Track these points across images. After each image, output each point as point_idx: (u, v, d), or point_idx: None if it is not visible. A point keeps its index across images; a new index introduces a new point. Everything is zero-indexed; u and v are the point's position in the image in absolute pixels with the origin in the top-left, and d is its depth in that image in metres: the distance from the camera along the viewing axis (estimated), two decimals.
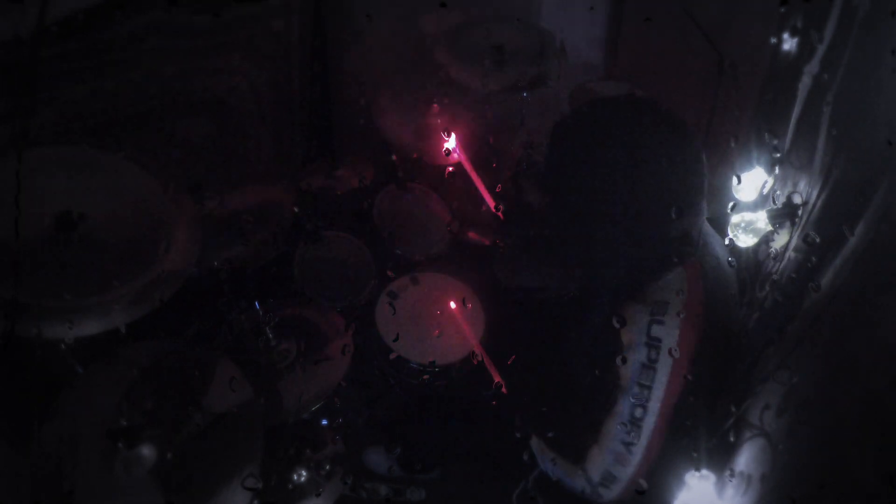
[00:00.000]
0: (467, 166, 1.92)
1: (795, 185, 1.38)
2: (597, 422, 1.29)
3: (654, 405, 1.23)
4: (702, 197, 1.27)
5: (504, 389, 1.54)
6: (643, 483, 1.27)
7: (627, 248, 1.29)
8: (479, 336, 1.76)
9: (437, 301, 1.83)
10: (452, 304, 1.81)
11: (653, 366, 1.23)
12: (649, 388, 1.23)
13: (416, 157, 2.06)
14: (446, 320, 1.80)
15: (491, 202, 1.90)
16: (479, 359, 1.65)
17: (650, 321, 1.23)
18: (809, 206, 1.29)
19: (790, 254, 1.32)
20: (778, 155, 1.48)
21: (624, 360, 1.25)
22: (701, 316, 1.23)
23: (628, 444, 1.25)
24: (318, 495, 1.50)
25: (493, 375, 1.57)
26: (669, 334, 1.22)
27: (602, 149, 1.25)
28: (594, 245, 1.33)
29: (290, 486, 1.49)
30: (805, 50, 1.38)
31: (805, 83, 1.39)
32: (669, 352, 1.22)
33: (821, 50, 1.31)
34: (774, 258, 1.38)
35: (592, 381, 1.39)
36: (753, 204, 1.52)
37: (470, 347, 1.71)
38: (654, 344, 1.23)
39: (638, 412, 1.24)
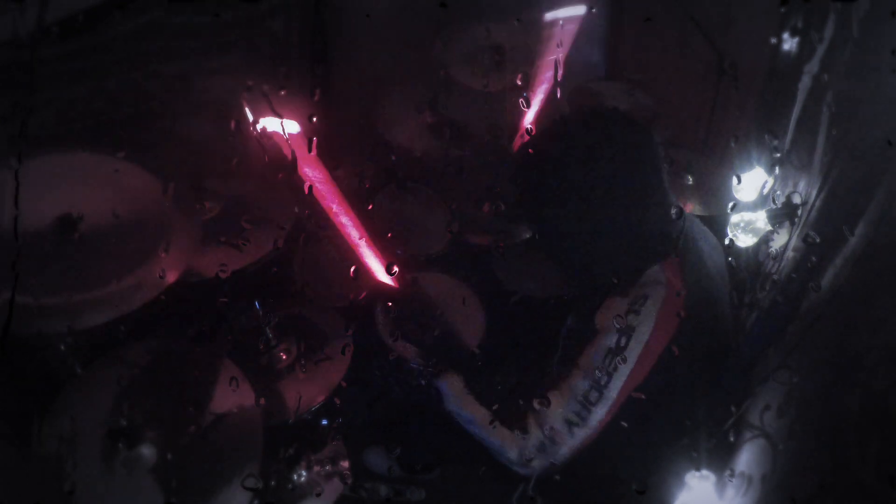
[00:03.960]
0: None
1: (795, 185, 1.39)
2: (545, 394, 1.29)
3: (611, 393, 1.23)
4: (663, 193, 1.31)
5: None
6: (643, 483, 1.27)
7: (603, 251, 1.35)
8: (480, 336, 1.76)
9: (436, 301, 1.83)
10: None
11: (620, 353, 1.23)
12: (610, 375, 1.23)
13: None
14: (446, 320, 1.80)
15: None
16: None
17: (627, 310, 1.25)
18: (809, 206, 1.29)
19: (790, 254, 1.32)
20: (778, 155, 1.48)
21: (593, 344, 1.26)
22: (679, 312, 1.24)
23: (572, 424, 1.25)
24: (318, 495, 1.50)
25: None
26: (643, 324, 1.22)
27: (556, 165, 1.33)
28: (571, 250, 1.40)
29: (290, 486, 1.49)
30: (805, 50, 1.38)
31: (805, 83, 1.39)
32: (641, 342, 1.22)
33: (821, 50, 1.32)
34: (774, 258, 1.38)
35: (552, 356, 1.41)
36: (753, 204, 1.52)
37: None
38: (625, 332, 1.24)
39: (593, 396, 1.23)
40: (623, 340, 1.23)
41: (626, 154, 1.30)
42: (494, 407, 1.40)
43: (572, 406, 1.24)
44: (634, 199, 1.30)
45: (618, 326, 1.24)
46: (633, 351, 1.23)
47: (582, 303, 1.42)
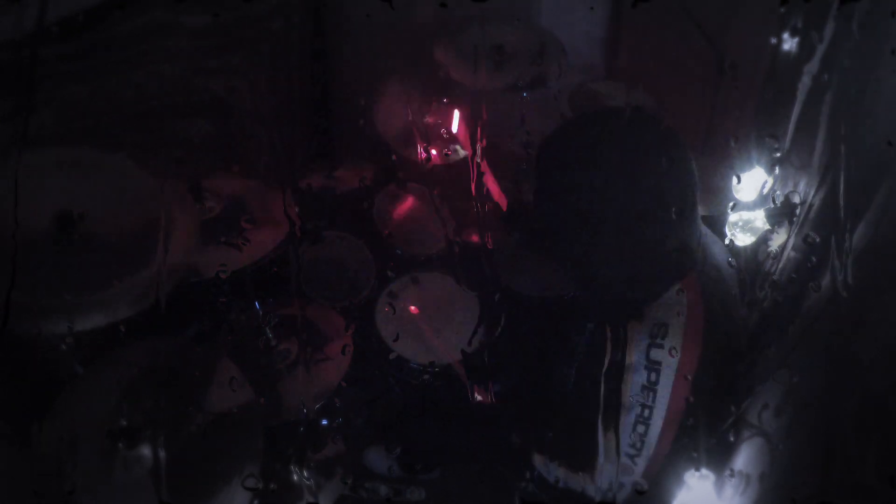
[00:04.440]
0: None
1: (795, 185, 1.38)
2: (600, 435, 1.30)
3: (657, 421, 1.24)
4: (695, 205, 1.27)
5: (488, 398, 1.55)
6: (643, 483, 1.27)
7: (623, 265, 1.28)
8: (479, 338, 1.76)
9: (437, 301, 1.83)
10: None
11: (653, 388, 1.23)
12: (651, 407, 1.24)
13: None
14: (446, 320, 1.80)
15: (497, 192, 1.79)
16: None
17: (649, 344, 1.23)
18: (809, 206, 1.29)
19: (790, 254, 1.32)
20: (778, 155, 1.48)
21: (625, 381, 1.25)
22: (701, 333, 1.23)
23: (633, 457, 1.26)
24: (318, 495, 1.50)
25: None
26: (668, 358, 1.22)
27: (585, 167, 1.25)
28: (589, 263, 1.34)
29: (290, 486, 1.49)
30: (805, 50, 1.38)
31: (805, 83, 1.39)
32: (671, 375, 1.22)
33: (821, 50, 1.31)
34: (774, 258, 1.38)
35: (594, 397, 1.39)
36: (753, 204, 1.52)
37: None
38: (654, 367, 1.23)
39: (640, 429, 1.24)
40: (653, 375, 1.23)
41: (657, 160, 1.23)
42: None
43: (627, 440, 1.26)
44: (663, 209, 1.24)
45: (644, 363, 1.23)
46: (665, 383, 1.22)
47: (605, 321, 1.39)
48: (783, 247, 1.34)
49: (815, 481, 0.97)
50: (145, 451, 1.24)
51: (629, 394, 1.24)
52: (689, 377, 1.20)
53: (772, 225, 1.37)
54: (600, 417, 1.29)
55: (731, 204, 1.53)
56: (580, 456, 1.33)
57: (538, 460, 1.41)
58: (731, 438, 1.25)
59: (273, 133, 2.42)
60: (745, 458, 1.20)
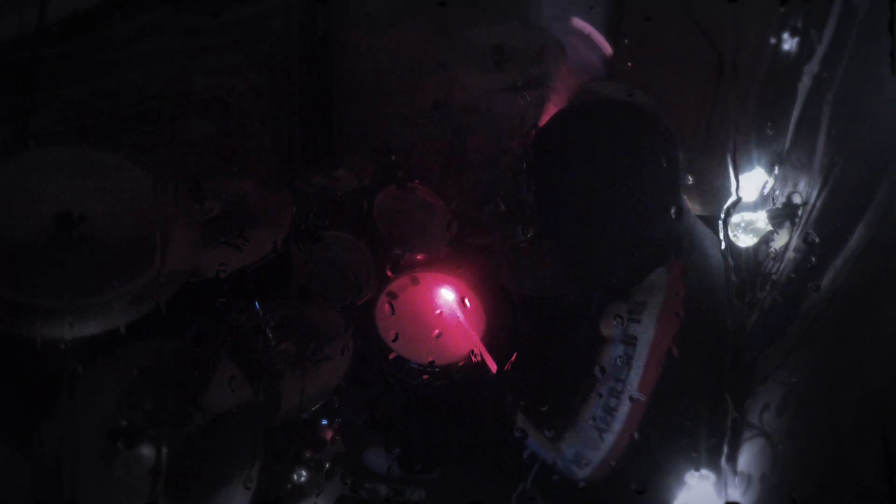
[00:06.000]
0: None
1: (795, 185, 1.39)
2: (574, 405, 1.33)
3: (627, 398, 1.27)
4: (678, 194, 1.30)
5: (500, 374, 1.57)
6: (642, 483, 1.28)
7: (609, 251, 1.33)
8: (480, 336, 1.76)
9: (436, 301, 1.83)
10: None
11: (628, 362, 1.26)
12: (623, 381, 1.27)
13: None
14: (446, 320, 1.80)
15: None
16: (479, 357, 1.66)
17: (627, 319, 1.27)
18: (809, 207, 1.29)
19: (790, 254, 1.32)
20: (778, 155, 1.48)
21: (602, 354, 1.30)
22: (680, 315, 1.25)
23: (601, 431, 1.29)
24: (318, 495, 1.50)
25: (490, 367, 1.59)
26: (645, 333, 1.26)
27: (571, 157, 1.29)
28: (578, 248, 1.39)
29: (290, 486, 1.49)
30: (805, 50, 1.38)
31: (805, 83, 1.39)
32: (645, 350, 1.24)
33: (821, 50, 1.32)
34: (774, 258, 1.39)
35: (575, 368, 1.42)
36: (753, 204, 1.52)
37: (470, 347, 1.71)
38: (629, 341, 1.26)
39: (612, 402, 1.28)
40: (629, 350, 1.26)
41: (644, 149, 1.27)
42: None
43: (599, 413, 1.30)
44: (648, 197, 1.28)
45: (621, 337, 1.25)
46: (640, 358, 1.26)
47: (587, 307, 1.42)
48: (784, 247, 1.34)
49: (815, 481, 0.97)
50: (145, 451, 1.24)
51: (604, 366, 1.29)
52: (664, 355, 1.24)
53: (773, 225, 1.38)
54: (577, 390, 1.32)
55: (730, 203, 1.53)
56: (551, 420, 1.37)
57: (520, 419, 1.43)
58: (732, 439, 1.25)
59: (273, 133, 2.42)
60: (745, 457, 1.20)
